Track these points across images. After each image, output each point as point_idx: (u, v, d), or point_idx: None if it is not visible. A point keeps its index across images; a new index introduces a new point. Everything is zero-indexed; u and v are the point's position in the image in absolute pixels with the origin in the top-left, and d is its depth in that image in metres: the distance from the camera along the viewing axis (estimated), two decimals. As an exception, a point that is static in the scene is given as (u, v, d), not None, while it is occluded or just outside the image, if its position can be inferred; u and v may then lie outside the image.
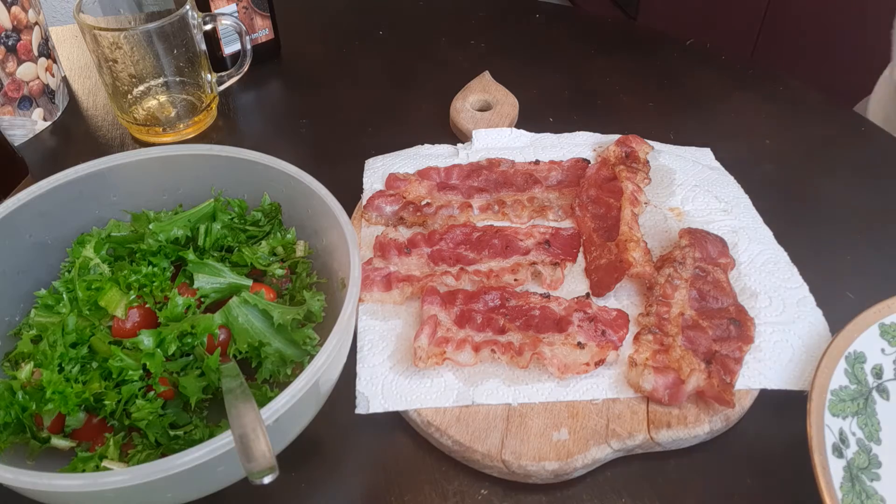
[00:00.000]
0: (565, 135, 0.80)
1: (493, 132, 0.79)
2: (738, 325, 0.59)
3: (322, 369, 0.46)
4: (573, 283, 0.65)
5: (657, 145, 0.77)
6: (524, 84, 0.88)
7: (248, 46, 0.85)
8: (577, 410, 0.55)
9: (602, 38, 1.01)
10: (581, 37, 1.00)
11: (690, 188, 0.72)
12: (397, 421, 0.57)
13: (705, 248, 0.64)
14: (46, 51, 0.85)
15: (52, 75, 0.87)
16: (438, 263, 0.66)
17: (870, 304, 0.58)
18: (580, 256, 0.67)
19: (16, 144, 0.82)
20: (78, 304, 0.55)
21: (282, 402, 0.44)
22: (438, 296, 0.61)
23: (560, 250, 0.66)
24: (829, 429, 0.51)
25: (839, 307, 0.61)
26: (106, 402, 0.50)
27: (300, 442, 0.51)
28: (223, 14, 0.83)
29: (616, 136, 0.77)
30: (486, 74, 0.88)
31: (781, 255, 0.65)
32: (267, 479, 0.39)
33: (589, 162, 0.74)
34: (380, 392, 0.56)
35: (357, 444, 0.56)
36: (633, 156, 0.74)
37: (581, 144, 0.78)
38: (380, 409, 0.55)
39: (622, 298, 0.63)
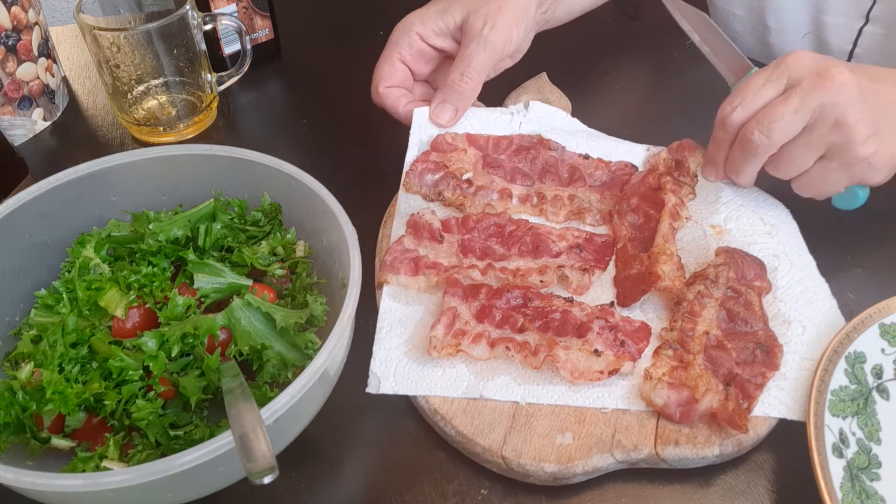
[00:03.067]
0: (616, 139, 0.76)
1: (550, 109, 0.77)
2: (765, 351, 0.56)
3: (322, 369, 0.46)
4: (600, 290, 0.63)
5: None
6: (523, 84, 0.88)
7: (248, 46, 0.85)
8: (585, 417, 0.54)
9: (601, 38, 1.01)
10: (580, 37, 1.00)
11: (736, 207, 0.69)
12: (397, 420, 0.57)
13: (741, 268, 0.61)
14: (46, 51, 0.85)
15: (52, 75, 0.87)
16: (467, 255, 0.65)
17: (870, 304, 0.58)
18: (611, 265, 0.65)
19: (16, 144, 0.82)
20: (78, 304, 0.55)
21: (282, 402, 0.44)
22: (461, 288, 0.61)
23: (591, 256, 0.65)
24: (829, 429, 0.51)
25: (839, 307, 0.61)
26: (106, 402, 0.50)
27: (300, 442, 0.51)
28: (223, 14, 0.83)
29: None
30: (544, 76, 0.86)
31: (822, 287, 0.62)
32: (267, 479, 0.39)
33: (637, 168, 0.72)
34: (392, 375, 0.57)
35: (357, 443, 0.56)
36: (682, 165, 0.71)
37: (635, 150, 0.74)
38: (389, 392, 0.56)
39: (648, 311, 0.61)
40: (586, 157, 0.72)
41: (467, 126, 0.74)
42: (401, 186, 0.70)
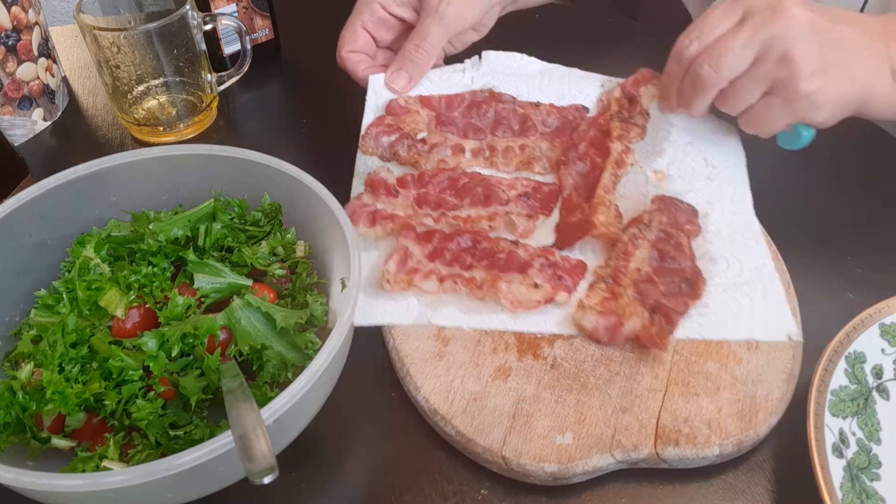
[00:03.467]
0: (577, 70, 0.78)
1: (504, 55, 0.79)
2: (690, 284, 0.61)
3: (322, 369, 0.46)
4: (544, 233, 0.67)
5: None
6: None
7: (248, 46, 0.85)
8: (585, 417, 0.54)
9: (602, 37, 1.01)
10: (581, 37, 1.00)
11: (682, 147, 0.71)
12: (397, 420, 0.57)
13: (674, 214, 0.65)
14: (46, 51, 0.85)
15: (52, 75, 0.87)
16: (422, 207, 0.68)
17: (870, 304, 0.58)
18: (555, 211, 0.69)
19: (16, 144, 0.82)
20: (78, 304, 0.55)
21: (281, 402, 0.44)
22: (414, 232, 0.64)
23: (538, 204, 0.68)
24: (829, 429, 0.51)
25: (839, 307, 0.61)
26: (106, 402, 0.50)
27: (300, 442, 0.51)
28: (223, 14, 0.83)
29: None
30: None
31: (752, 226, 0.66)
32: (267, 479, 0.39)
33: (587, 110, 0.75)
34: None
35: (357, 443, 0.56)
36: (635, 103, 0.73)
37: (590, 87, 0.77)
38: None
39: (587, 252, 0.65)
40: (537, 104, 0.75)
41: (421, 88, 0.76)
42: (358, 149, 0.72)
